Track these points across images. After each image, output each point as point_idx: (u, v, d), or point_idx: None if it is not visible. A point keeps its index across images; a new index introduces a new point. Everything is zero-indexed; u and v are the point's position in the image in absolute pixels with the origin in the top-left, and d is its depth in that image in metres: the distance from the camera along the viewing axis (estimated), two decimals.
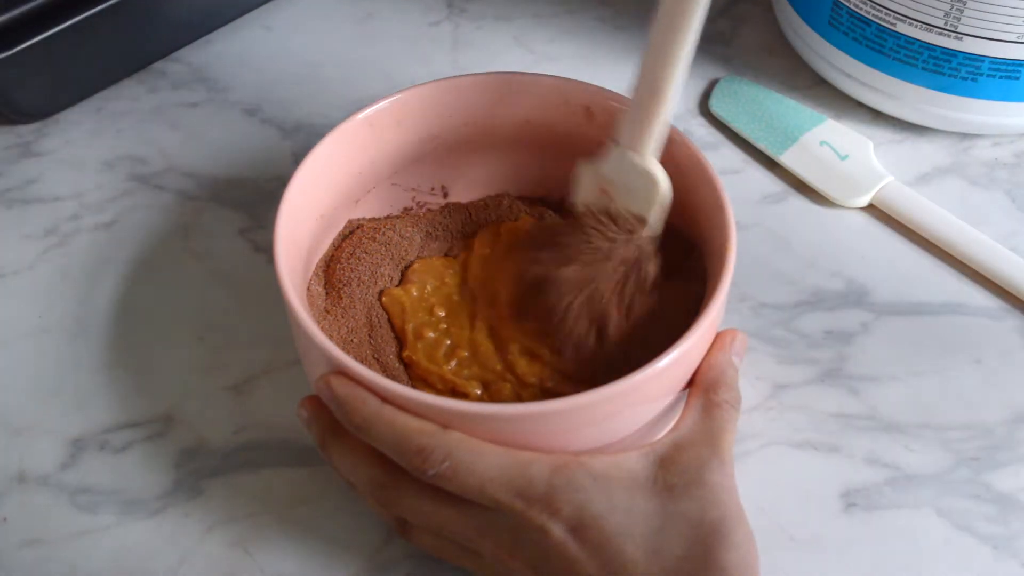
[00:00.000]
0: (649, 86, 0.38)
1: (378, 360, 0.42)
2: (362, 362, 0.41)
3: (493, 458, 0.35)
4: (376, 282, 0.45)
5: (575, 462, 0.35)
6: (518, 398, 0.41)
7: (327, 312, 0.43)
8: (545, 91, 0.45)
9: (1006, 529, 0.41)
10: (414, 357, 0.42)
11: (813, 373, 0.46)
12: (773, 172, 0.54)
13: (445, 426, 0.35)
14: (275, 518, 0.42)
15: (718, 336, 0.40)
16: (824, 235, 0.51)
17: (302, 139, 0.56)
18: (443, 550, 0.38)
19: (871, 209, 0.52)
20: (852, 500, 0.42)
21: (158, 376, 0.46)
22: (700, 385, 0.39)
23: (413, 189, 0.48)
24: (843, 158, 0.53)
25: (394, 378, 0.41)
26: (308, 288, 0.43)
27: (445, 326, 0.43)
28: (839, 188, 0.52)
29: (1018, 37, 0.48)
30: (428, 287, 0.45)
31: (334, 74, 0.59)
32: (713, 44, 0.61)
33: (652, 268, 0.41)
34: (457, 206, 0.48)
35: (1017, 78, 0.50)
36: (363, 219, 0.47)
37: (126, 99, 0.58)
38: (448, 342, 0.43)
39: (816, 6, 0.55)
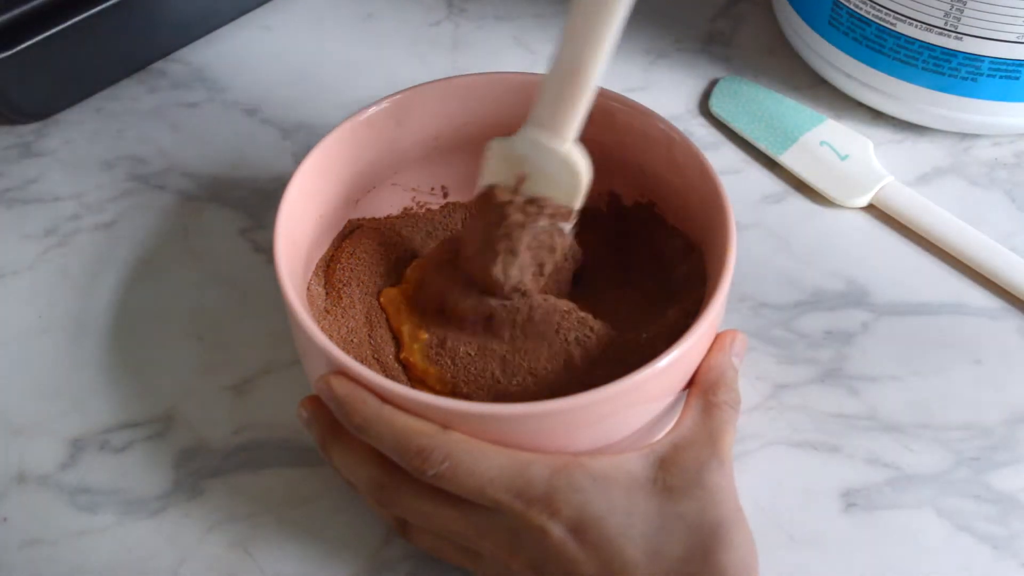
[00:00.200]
0: (572, 62, 0.36)
1: (378, 360, 0.42)
2: (362, 362, 0.41)
3: (493, 459, 0.35)
4: (376, 282, 0.45)
5: (575, 463, 0.35)
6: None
7: (327, 312, 0.43)
8: None
9: (1006, 529, 0.41)
10: (411, 359, 0.42)
11: (813, 373, 0.46)
12: (773, 172, 0.54)
13: (445, 426, 0.35)
14: (275, 518, 0.42)
15: (718, 337, 0.40)
16: (824, 235, 0.51)
17: (302, 139, 0.56)
18: (443, 550, 0.38)
19: (871, 209, 0.52)
20: (852, 500, 0.42)
21: (158, 376, 0.46)
22: (700, 386, 0.38)
23: (413, 189, 0.48)
24: (843, 158, 0.53)
25: (394, 378, 0.41)
26: (308, 288, 0.43)
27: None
28: (839, 188, 0.52)
29: (1018, 37, 0.48)
30: None
31: (334, 74, 0.59)
32: (713, 44, 0.61)
33: (562, 240, 0.40)
34: (457, 206, 0.48)
35: (1017, 78, 0.50)
36: (363, 219, 0.47)
37: (126, 99, 0.58)
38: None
39: (816, 6, 0.55)
